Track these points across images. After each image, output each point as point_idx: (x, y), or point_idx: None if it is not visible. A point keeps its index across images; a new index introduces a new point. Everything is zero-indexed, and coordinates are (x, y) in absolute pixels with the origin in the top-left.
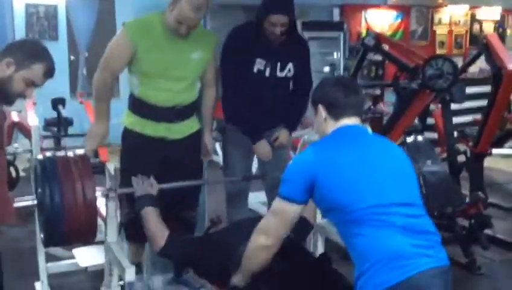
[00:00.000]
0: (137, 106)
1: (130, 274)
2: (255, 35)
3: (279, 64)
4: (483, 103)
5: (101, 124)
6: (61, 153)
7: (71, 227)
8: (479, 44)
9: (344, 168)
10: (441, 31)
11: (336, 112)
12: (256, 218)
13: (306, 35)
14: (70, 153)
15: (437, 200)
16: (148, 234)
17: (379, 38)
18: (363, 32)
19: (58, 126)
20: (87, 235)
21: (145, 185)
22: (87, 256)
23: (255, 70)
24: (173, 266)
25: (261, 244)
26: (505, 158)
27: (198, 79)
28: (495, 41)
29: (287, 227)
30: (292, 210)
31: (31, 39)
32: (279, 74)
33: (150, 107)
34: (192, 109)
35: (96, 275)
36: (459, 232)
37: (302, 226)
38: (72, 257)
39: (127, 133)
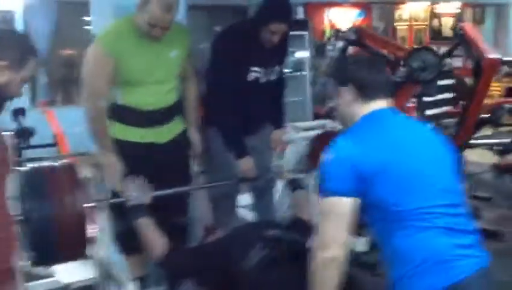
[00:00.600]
0: (121, 113)
1: None
2: (249, 42)
3: (271, 69)
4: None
5: (113, 157)
6: (46, 164)
7: (62, 241)
8: (438, 39)
9: (389, 163)
10: (402, 27)
11: (368, 93)
12: (258, 223)
13: None
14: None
15: None
16: (147, 245)
17: (360, 32)
18: (327, 30)
19: (18, 137)
20: (78, 248)
21: (138, 193)
22: (68, 273)
23: (251, 78)
24: (167, 278)
25: (325, 259)
26: (476, 149)
27: (177, 77)
28: (471, 31)
29: (345, 227)
30: (346, 205)
31: (7, 31)
32: (272, 77)
33: (135, 113)
34: (177, 108)
35: None
36: None
37: (304, 228)
38: (52, 275)
39: (113, 143)
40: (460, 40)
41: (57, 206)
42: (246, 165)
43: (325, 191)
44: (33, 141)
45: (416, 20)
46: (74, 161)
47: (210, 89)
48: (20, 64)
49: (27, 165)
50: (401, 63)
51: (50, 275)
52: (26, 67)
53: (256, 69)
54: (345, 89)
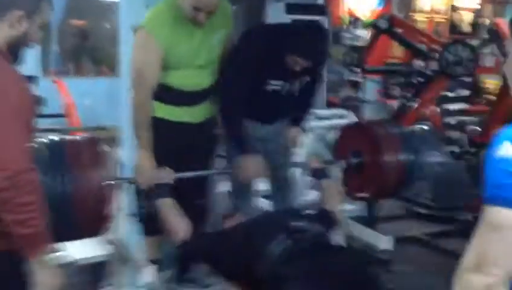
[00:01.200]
0: (160, 92)
1: (149, 273)
2: (272, 55)
3: (297, 82)
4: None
5: (148, 156)
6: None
7: (81, 217)
8: (457, 33)
9: None
10: (421, 18)
11: None
12: (282, 212)
13: (290, 18)
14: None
15: (447, 192)
16: (168, 226)
17: (392, 20)
18: (345, 17)
19: None
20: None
21: (162, 174)
22: (75, 249)
23: (270, 89)
24: (180, 261)
25: (479, 287)
26: None
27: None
28: (505, 27)
29: None
30: None
31: None
32: (295, 89)
33: (174, 93)
34: (213, 89)
35: (86, 270)
36: (466, 226)
37: (329, 221)
38: (62, 250)
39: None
40: (493, 36)
41: (76, 182)
42: (252, 165)
43: (503, 199)
44: (44, 110)
45: (436, 13)
46: (95, 136)
47: (225, 86)
48: (35, 11)
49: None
50: (436, 55)
51: (60, 250)
52: (41, 12)
53: (275, 82)
54: None
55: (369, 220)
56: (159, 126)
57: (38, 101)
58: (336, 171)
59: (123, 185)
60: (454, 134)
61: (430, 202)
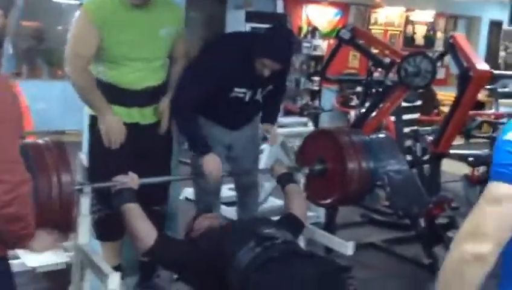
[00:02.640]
0: (106, 91)
1: (114, 281)
2: (240, 63)
3: (260, 90)
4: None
5: (111, 115)
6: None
7: (45, 223)
8: (411, 46)
9: None
10: (376, 31)
11: None
12: (254, 218)
13: (249, 26)
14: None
15: (403, 199)
16: (133, 233)
17: (355, 31)
18: (304, 26)
19: None
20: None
21: (126, 179)
22: (34, 256)
23: (232, 96)
24: (141, 267)
25: (471, 254)
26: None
27: (166, 57)
28: (462, 41)
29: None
30: None
31: None
32: (258, 96)
33: (121, 92)
34: (164, 89)
35: (45, 277)
36: (421, 233)
37: (295, 225)
38: (17, 257)
39: (96, 121)
40: (449, 49)
41: (41, 187)
42: (212, 162)
43: (503, 175)
44: None
45: (391, 25)
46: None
47: (182, 85)
48: (10, 4)
49: None
50: (395, 66)
51: (15, 257)
52: (15, 6)
53: (240, 90)
54: None
55: (328, 227)
56: None
57: None
58: (300, 178)
59: (86, 189)
60: (408, 143)
61: (386, 209)
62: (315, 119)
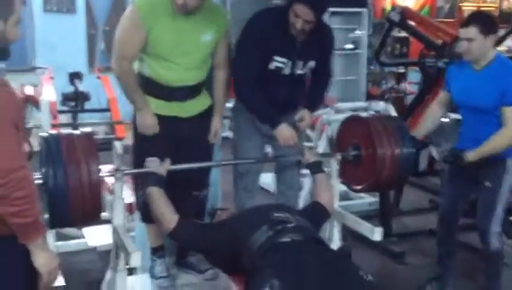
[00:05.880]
0: (148, 86)
1: (135, 259)
2: (278, 27)
3: (301, 62)
4: None
5: (148, 113)
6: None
7: (75, 209)
8: (508, 22)
9: None
10: (468, 8)
11: None
12: (268, 205)
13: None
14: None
15: None
16: (155, 215)
17: (405, 13)
18: (388, 8)
19: (75, 101)
20: (91, 217)
21: (155, 165)
22: (96, 235)
23: (273, 67)
24: (177, 247)
25: None
26: None
27: (209, 58)
28: None
29: None
30: None
31: None
32: (299, 71)
33: (162, 87)
34: (202, 87)
35: (106, 255)
36: None
37: (319, 214)
38: (82, 236)
39: None
40: None
41: (71, 173)
42: (285, 132)
43: None
44: (88, 105)
45: (484, 1)
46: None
47: (233, 66)
48: (8, 10)
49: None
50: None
51: (80, 237)
52: (14, 10)
53: (280, 59)
54: None
55: (383, 211)
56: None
57: (83, 96)
58: (334, 164)
59: (118, 175)
60: None
61: None
62: (400, 104)
